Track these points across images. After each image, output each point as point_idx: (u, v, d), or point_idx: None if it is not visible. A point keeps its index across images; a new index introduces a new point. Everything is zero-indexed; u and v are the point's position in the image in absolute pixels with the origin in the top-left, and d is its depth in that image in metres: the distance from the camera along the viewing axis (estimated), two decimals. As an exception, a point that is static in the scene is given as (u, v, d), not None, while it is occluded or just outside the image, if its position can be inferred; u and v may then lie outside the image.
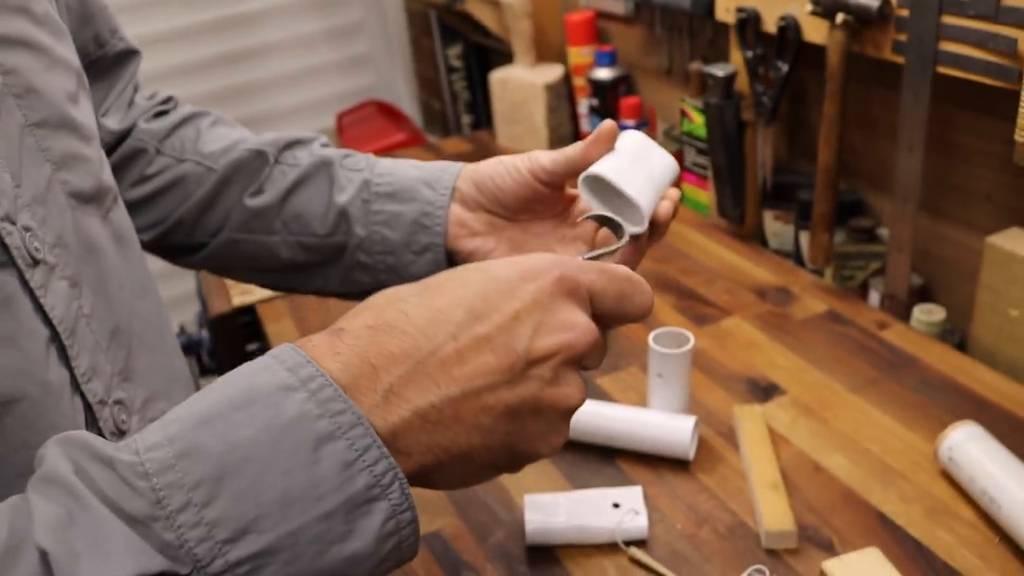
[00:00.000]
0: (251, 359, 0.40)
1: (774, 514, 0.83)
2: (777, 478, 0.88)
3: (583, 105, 1.68)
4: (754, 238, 1.38)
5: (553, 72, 1.74)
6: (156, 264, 0.75)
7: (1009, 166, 0.93)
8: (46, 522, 0.34)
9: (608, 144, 0.60)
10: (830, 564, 0.76)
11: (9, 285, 0.46)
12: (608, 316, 0.44)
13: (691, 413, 0.98)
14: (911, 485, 0.88)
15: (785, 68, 1.19)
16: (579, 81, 1.69)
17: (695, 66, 1.39)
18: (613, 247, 0.58)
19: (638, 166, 0.60)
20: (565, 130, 1.76)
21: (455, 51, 2.21)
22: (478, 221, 0.67)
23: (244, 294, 1.41)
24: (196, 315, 1.76)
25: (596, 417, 0.95)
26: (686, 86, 1.44)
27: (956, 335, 1.13)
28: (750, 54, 1.23)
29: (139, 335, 0.58)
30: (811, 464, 0.92)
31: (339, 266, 0.71)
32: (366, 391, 0.38)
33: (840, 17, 1.05)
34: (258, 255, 0.73)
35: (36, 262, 0.48)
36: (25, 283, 0.47)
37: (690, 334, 0.96)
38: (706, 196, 1.43)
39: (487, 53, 2.19)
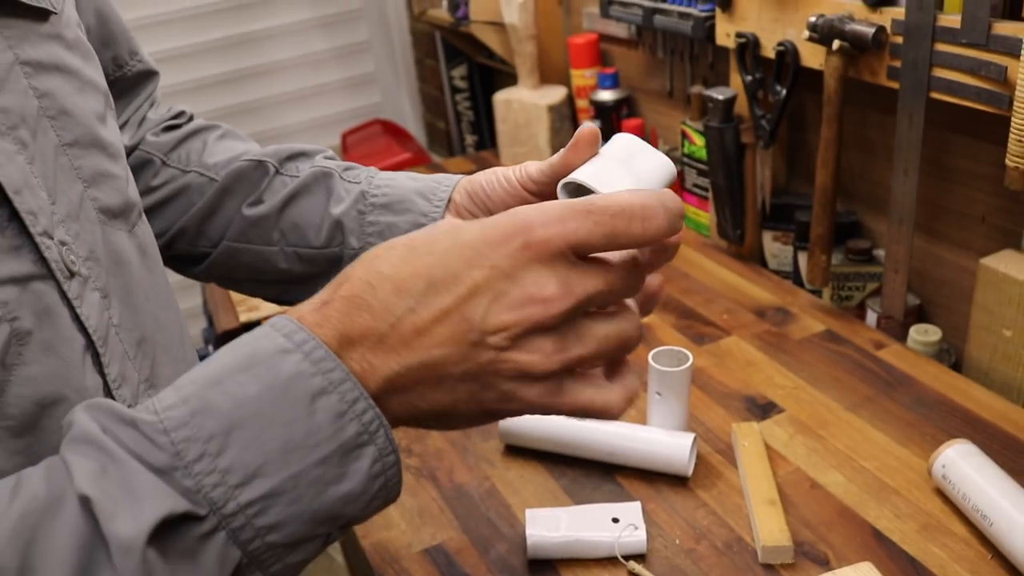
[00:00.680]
0: None
1: (771, 530, 0.85)
2: (774, 494, 0.89)
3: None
4: (753, 258, 1.40)
5: (556, 94, 1.76)
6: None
7: (1002, 189, 0.95)
8: (84, 474, 0.38)
9: (589, 148, 0.58)
10: (825, 579, 0.77)
11: (49, 296, 0.49)
12: (611, 251, 0.42)
13: (690, 430, 0.99)
14: (905, 502, 0.89)
15: (784, 92, 1.21)
16: (582, 103, 1.72)
17: (696, 89, 1.42)
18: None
19: (622, 168, 0.56)
20: (568, 151, 1.78)
21: (460, 72, 2.24)
22: None
23: (251, 310, 1.43)
24: (202, 331, 1.78)
25: (596, 434, 0.97)
26: (687, 109, 1.47)
27: (952, 355, 1.15)
28: (749, 78, 1.26)
29: (162, 344, 0.61)
30: (808, 481, 0.93)
31: None
32: (347, 359, 0.42)
33: (837, 44, 1.07)
34: (257, 265, 0.74)
35: (72, 274, 0.51)
36: (63, 294, 0.50)
37: (689, 353, 0.98)
38: (706, 217, 1.45)
39: (491, 74, 2.22)
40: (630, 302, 0.45)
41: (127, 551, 0.37)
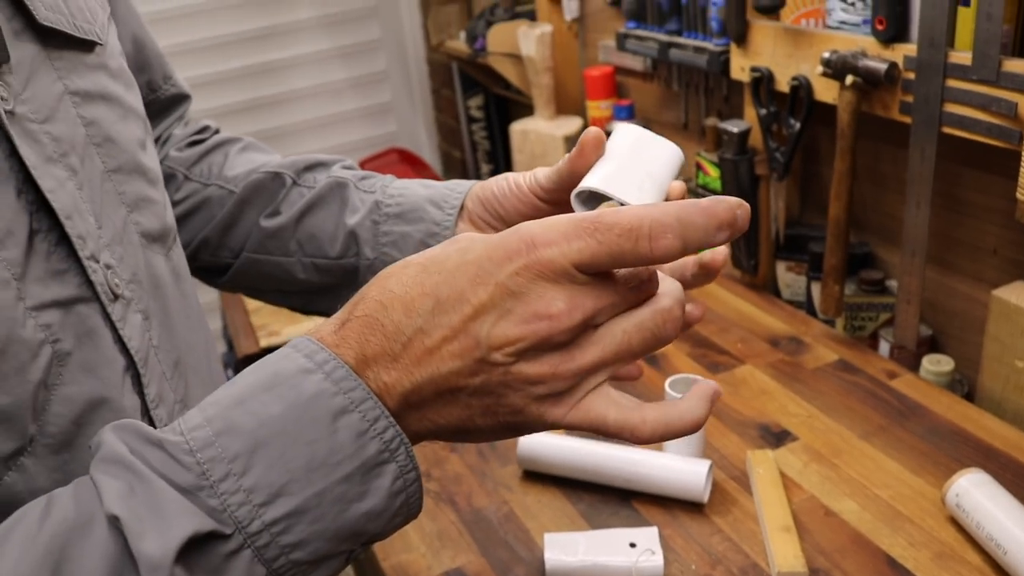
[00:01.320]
0: None
1: (786, 556, 0.86)
2: (789, 521, 0.91)
3: (601, 156, 1.73)
4: (768, 288, 1.42)
5: (572, 124, 1.79)
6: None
7: (1014, 222, 0.97)
8: (113, 494, 0.39)
9: (595, 153, 0.56)
10: (840, 605, 0.78)
11: (92, 318, 0.51)
12: (618, 269, 0.42)
13: (706, 457, 1.01)
14: (919, 530, 0.90)
15: (797, 125, 1.24)
16: (597, 133, 1.74)
17: (711, 122, 1.44)
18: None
19: (633, 166, 0.54)
20: (583, 180, 1.81)
21: (476, 102, 2.27)
22: None
23: (271, 335, 1.46)
24: (222, 356, 1.80)
25: (614, 460, 0.98)
26: (702, 140, 1.49)
27: (965, 385, 1.16)
28: (764, 111, 1.28)
29: (193, 366, 0.62)
30: (822, 508, 0.95)
31: (355, 289, 0.71)
32: (365, 379, 0.43)
33: (850, 79, 1.10)
34: (278, 276, 0.75)
35: (116, 297, 0.53)
36: (107, 316, 0.52)
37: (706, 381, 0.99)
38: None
39: (507, 104, 2.25)
40: (665, 288, 0.44)
41: (155, 570, 0.38)
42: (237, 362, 1.49)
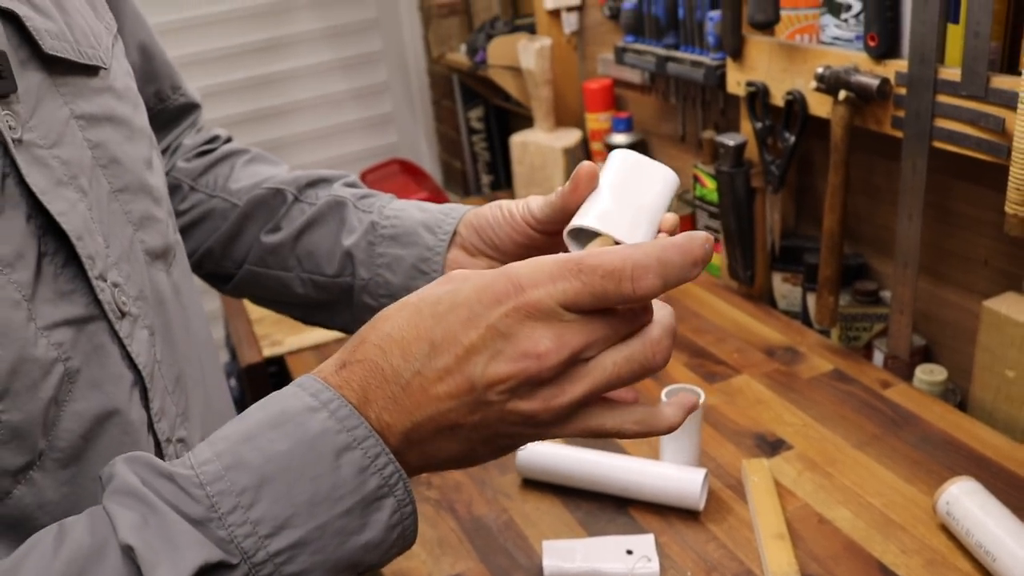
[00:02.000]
0: None
1: (780, 563, 0.88)
2: (783, 529, 0.92)
3: (600, 168, 1.75)
4: (763, 299, 1.43)
5: (571, 136, 1.81)
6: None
7: (1003, 234, 0.98)
8: (127, 525, 0.41)
9: (588, 188, 0.56)
10: (832, 610, 0.80)
11: (100, 336, 0.52)
12: (602, 308, 0.44)
13: (701, 466, 1.02)
14: (911, 537, 0.92)
15: (792, 139, 1.26)
16: (596, 145, 1.76)
17: (707, 134, 1.46)
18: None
19: (625, 198, 0.54)
20: (582, 191, 1.82)
21: (476, 113, 2.30)
22: (477, 267, 0.66)
23: (274, 345, 1.47)
24: (224, 365, 1.81)
25: (611, 469, 1.00)
26: (699, 153, 1.51)
27: (957, 394, 1.18)
28: (759, 125, 1.30)
29: (194, 379, 0.64)
30: (815, 516, 0.96)
31: (351, 307, 0.74)
32: (367, 418, 0.45)
33: (843, 94, 1.12)
34: (277, 288, 0.76)
35: (123, 314, 0.54)
36: (115, 333, 0.53)
37: (701, 391, 1.01)
38: (718, 258, 1.49)
39: (507, 116, 2.27)
40: (657, 317, 0.46)
41: None
42: (239, 371, 1.50)
